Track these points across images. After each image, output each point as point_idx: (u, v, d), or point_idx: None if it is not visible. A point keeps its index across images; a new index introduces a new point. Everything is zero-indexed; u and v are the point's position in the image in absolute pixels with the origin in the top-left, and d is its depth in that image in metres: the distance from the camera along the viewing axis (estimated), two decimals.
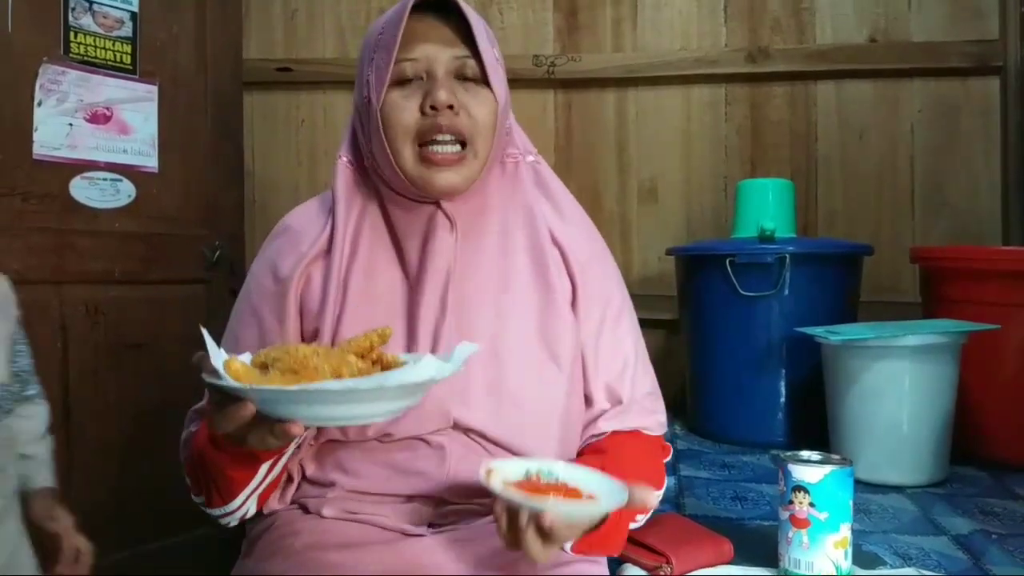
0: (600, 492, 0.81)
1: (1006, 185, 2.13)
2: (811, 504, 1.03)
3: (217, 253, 2.19)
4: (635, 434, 1.03)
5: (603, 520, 0.85)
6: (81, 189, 1.92)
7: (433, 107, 0.90)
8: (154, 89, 2.04)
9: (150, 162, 2.05)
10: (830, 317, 1.73)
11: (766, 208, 1.91)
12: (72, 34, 1.88)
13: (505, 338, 0.96)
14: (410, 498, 0.93)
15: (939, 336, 1.49)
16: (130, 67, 1.99)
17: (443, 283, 0.96)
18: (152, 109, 2.04)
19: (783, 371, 1.79)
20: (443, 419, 0.93)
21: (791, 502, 1.05)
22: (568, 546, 0.86)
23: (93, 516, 1.93)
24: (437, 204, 0.97)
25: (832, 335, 1.52)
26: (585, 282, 1.02)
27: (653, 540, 1.08)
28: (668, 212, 2.35)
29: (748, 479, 1.54)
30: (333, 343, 0.94)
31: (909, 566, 1.13)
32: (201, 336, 0.76)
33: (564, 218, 1.06)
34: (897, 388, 1.51)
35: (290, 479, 0.98)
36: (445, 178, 0.93)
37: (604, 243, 1.11)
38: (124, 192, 2.00)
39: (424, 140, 0.92)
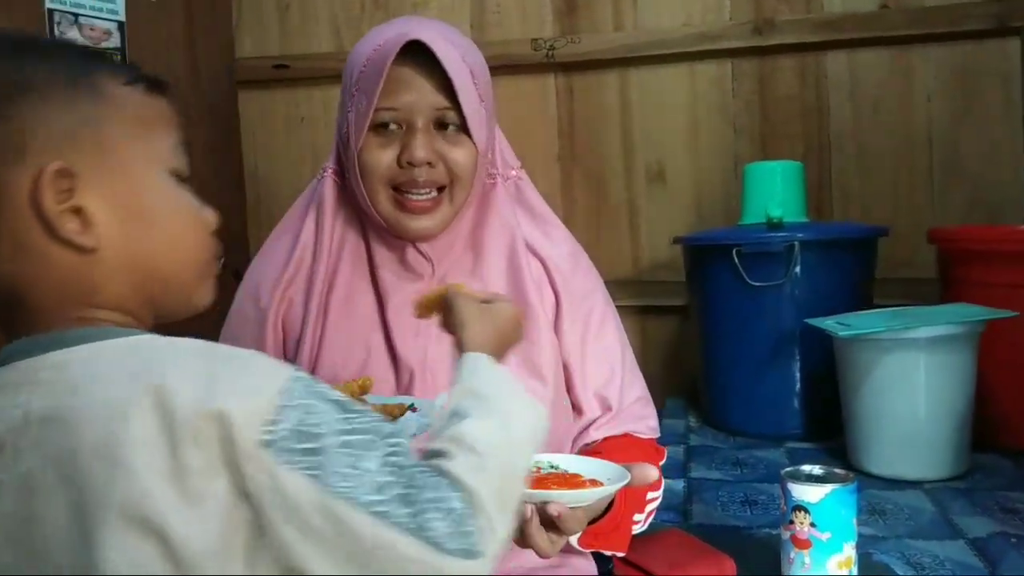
0: (601, 476, 0.81)
1: None
2: (812, 524, 1.00)
3: (221, 261, 2.17)
4: (627, 436, 1.03)
5: (609, 508, 0.85)
6: None
7: (410, 163, 0.90)
8: None
9: None
10: (844, 303, 1.67)
11: (774, 192, 1.84)
12: None
13: None
14: None
15: (954, 326, 1.43)
16: None
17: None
18: None
19: (797, 361, 1.74)
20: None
21: (792, 522, 1.01)
22: (575, 540, 0.86)
23: None
24: (413, 242, 0.98)
25: (841, 328, 1.47)
26: (568, 294, 1.02)
27: (649, 562, 1.06)
28: (677, 195, 2.29)
29: (760, 478, 1.50)
30: (314, 368, 0.95)
31: None
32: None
33: (546, 233, 1.05)
34: (912, 380, 1.46)
35: None
36: (419, 224, 0.93)
37: (584, 253, 1.10)
38: None
39: (399, 189, 0.93)
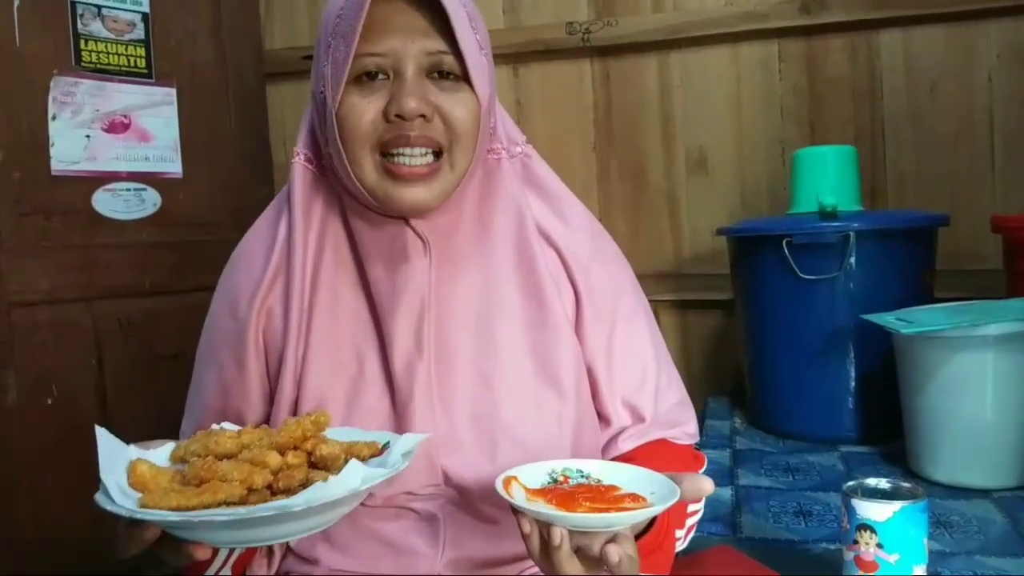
0: (643, 489, 0.68)
1: None
2: (879, 545, 0.91)
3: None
4: (661, 442, 0.90)
5: (651, 524, 0.74)
6: (105, 202, 1.87)
7: (400, 115, 0.76)
8: (172, 92, 1.97)
9: (174, 168, 1.99)
10: (903, 297, 1.57)
11: (826, 179, 1.74)
12: (82, 42, 1.82)
13: (495, 366, 0.83)
14: None
15: None
16: (145, 71, 1.92)
17: (417, 314, 0.82)
18: (172, 112, 1.97)
19: (852, 359, 1.64)
20: (432, 473, 0.81)
21: (856, 542, 0.92)
22: None
23: None
24: (406, 220, 0.83)
25: (903, 325, 1.37)
26: (590, 287, 0.88)
27: None
28: (720, 184, 2.19)
29: (815, 486, 1.41)
30: (298, 391, 0.83)
31: None
32: None
33: (560, 215, 0.91)
34: (980, 380, 1.35)
35: (271, 550, 0.86)
36: (412, 194, 0.78)
37: (609, 237, 0.96)
38: (149, 201, 1.94)
39: (387, 150, 0.78)
